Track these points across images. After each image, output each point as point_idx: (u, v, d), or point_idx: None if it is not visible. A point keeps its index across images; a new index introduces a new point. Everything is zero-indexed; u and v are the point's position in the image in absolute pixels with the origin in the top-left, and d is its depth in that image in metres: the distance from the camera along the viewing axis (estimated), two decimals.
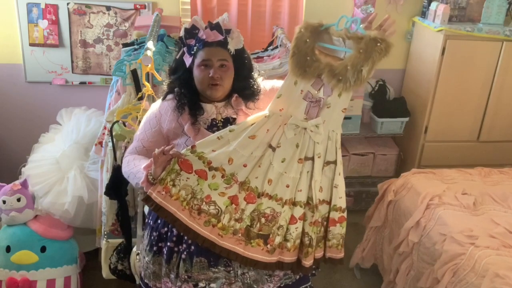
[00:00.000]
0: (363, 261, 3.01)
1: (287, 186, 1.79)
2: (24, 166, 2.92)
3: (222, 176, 1.77)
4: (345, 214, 1.91)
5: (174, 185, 1.75)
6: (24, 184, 2.70)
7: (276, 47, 3.16)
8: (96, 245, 2.85)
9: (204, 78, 1.80)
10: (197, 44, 1.80)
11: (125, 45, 2.90)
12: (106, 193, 2.35)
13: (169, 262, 1.86)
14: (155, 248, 1.90)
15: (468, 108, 3.52)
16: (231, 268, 1.85)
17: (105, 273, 2.52)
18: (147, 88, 2.33)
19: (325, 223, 1.90)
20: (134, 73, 2.48)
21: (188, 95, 1.85)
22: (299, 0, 3.49)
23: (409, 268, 2.58)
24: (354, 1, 3.57)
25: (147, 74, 2.36)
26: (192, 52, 1.80)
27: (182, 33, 1.83)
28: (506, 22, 3.39)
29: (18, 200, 2.64)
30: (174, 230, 1.84)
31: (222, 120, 1.87)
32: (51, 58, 3.47)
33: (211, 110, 1.87)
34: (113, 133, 2.32)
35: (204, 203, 1.77)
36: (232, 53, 1.82)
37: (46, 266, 2.64)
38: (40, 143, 3.09)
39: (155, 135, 1.92)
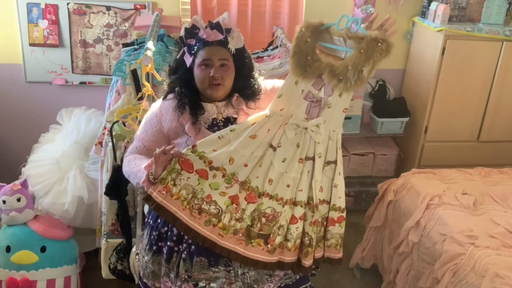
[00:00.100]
0: (363, 261, 3.01)
1: (288, 186, 1.79)
2: (24, 166, 2.92)
3: (223, 176, 1.77)
4: (344, 214, 1.91)
5: (174, 185, 1.75)
6: (24, 184, 2.70)
7: (276, 47, 3.16)
8: (96, 245, 2.85)
9: (204, 78, 1.80)
10: (197, 44, 1.80)
11: (125, 45, 2.90)
12: (106, 193, 2.35)
13: (169, 262, 1.86)
14: (154, 248, 1.90)
15: (468, 108, 3.52)
16: (232, 268, 1.85)
17: (105, 273, 2.52)
18: (147, 88, 2.33)
19: (325, 223, 1.91)
20: (134, 73, 2.48)
21: (189, 94, 1.84)
22: (299, 0, 3.49)
23: (409, 268, 2.58)
24: (354, 1, 3.57)
25: (147, 74, 2.36)
26: (193, 51, 1.80)
27: (182, 33, 1.83)
28: (506, 22, 3.39)
29: (18, 200, 2.64)
30: (174, 229, 1.83)
31: (223, 119, 1.87)
32: (51, 58, 3.46)
33: (212, 110, 1.87)
34: (113, 133, 2.32)
35: (204, 202, 1.77)
36: (232, 53, 1.82)
37: (46, 266, 2.63)
38: (40, 143, 3.09)
39: (156, 135, 1.92)
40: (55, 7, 3.34)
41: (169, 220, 1.77)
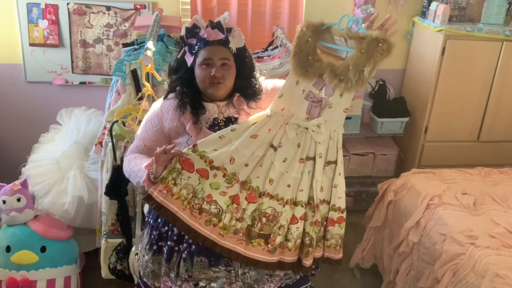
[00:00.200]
0: (363, 261, 3.01)
1: (288, 186, 1.79)
2: (24, 166, 2.91)
3: (224, 176, 1.77)
4: (344, 215, 1.91)
5: (175, 184, 1.75)
6: (24, 184, 2.70)
7: (276, 47, 3.16)
8: (96, 245, 2.84)
9: (205, 77, 1.80)
10: (198, 43, 1.80)
11: (125, 45, 2.90)
12: (106, 193, 2.35)
13: (169, 261, 1.86)
14: (155, 247, 1.90)
15: (468, 108, 3.52)
16: (232, 268, 1.85)
17: (104, 273, 2.52)
18: (147, 88, 2.33)
19: (325, 223, 1.91)
20: (134, 73, 2.48)
21: (190, 94, 1.84)
22: (299, 0, 3.49)
23: (409, 268, 2.58)
24: (354, 1, 3.58)
25: (147, 74, 2.36)
26: (194, 51, 1.80)
27: (183, 32, 1.83)
28: (506, 22, 3.39)
29: (18, 200, 2.64)
30: (175, 229, 1.83)
31: (224, 119, 1.87)
32: (51, 58, 3.46)
33: (213, 109, 1.87)
34: (113, 133, 2.32)
35: (205, 202, 1.77)
36: (233, 52, 1.82)
37: (46, 266, 2.63)
38: (40, 143, 3.09)
39: (157, 134, 1.92)
40: (55, 7, 3.34)
41: (169, 219, 1.77)
